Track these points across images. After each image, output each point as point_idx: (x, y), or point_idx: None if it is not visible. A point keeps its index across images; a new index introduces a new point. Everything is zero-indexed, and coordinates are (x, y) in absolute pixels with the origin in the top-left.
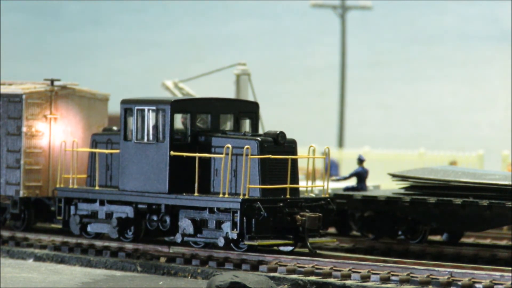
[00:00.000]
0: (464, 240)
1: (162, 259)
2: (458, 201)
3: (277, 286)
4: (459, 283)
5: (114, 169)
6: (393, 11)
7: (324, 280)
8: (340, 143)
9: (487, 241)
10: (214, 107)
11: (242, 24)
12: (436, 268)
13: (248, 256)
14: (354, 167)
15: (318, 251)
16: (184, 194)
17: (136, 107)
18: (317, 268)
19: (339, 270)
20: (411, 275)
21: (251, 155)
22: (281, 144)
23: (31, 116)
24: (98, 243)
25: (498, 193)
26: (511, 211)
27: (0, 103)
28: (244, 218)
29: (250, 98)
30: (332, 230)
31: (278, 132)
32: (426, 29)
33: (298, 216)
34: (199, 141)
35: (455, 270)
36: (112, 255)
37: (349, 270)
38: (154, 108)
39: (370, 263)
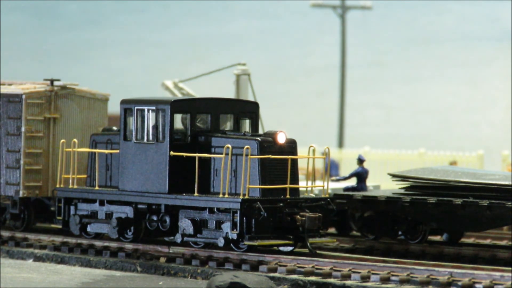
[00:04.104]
0: (464, 240)
1: (162, 259)
2: (458, 201)
3: (277, 286)
4: (459, 283)
5: (114, 169)
6: (393, 11)
7: (324, 280)
8: (340, 143)
9: (487, 241)
10: (214, 107)
11: (242, 24)
12: (436, 268)
13: (248, 256)
14: (354, 167)
15: (318, 251)
16: (184, 194)
17: (136, 107)
18: (317, 268)
19: (339, 270)
20: (411, 275)
21: (251, 155)
22: (281, 144)
23: (31, 116)
24: (98, 243)
25: (498, 193)
26: (511, 211)
27: (0, 103)
28: (244, 218)
29: (250, 98)
30: (332, 230)
31: (278, 132)
32: (426, 29)
33: (298, 216)
34: (199, 141)
35: (455, 270)
36: (112, 255)
37: (349, 270)
38: (154, 108)
39: (370, 263)
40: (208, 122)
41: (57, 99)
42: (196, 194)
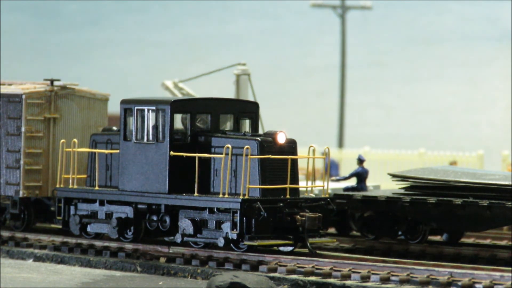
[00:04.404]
0: (464, 240)
1: (162, 259)
2: (458, 201)
3: (277, 286)
4: (459, 283)
5: (113, 169)
6: (393, 11)
7: (324, 280)
8: (340, 143)
9: (487, 241)
10: (214, 107)
11: (242, 24)
12: (436, 268)
13: (248, 256)
14: (354, 167)
15: (318, 251)
16: (184, 194)
17: (136, 107)
18: (317, 268)
19: (339, 270)
20: (411, 275)
21: (251, 155)
22: (281, 144)
23: (31, 116)
24: (98, 243)
25: (498, 193)
26: (511, 211)
27: (0, 103)
28: (244, 218)
29: (250, 98)
30: (332, 230)
31: (278, 132)
32: (426, 29)
33: (298, 216)
34: (199, 141)
35: (455, 270)
36: (112, 255)
37: (349, 270)
38: (154, 108)
39: (370, 263)
40: (208, 122)
41: (57, 99)
42: (196, 194)
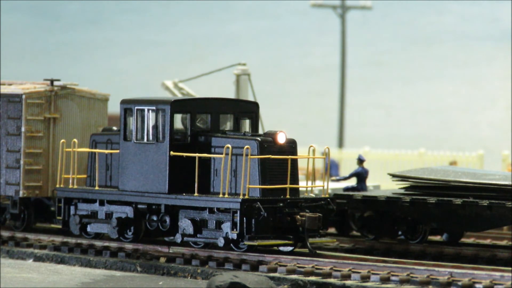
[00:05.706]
0: (464, 240)
1: (162, 259)
2: (458, 201)
3: (277, 286)
4: (459, 283)
5: (113, 169)
6: (393, 11)
7: (324, 280)
8: (340, 143)
9: (487, 241)
10: (214, 107)
11: (242, 24)
12: (436, 268)
13: (248, 256)
14: (354, 167)
15: (318, 251)
16: (184, 194)
17: (136, 107)
18: (317, 268)
19: (339, 270)
20: (411, 275)
21: (251, 155)
22: (281, 144)
23: (31, 116)
24: (98, 243)
25: (498, 193)
26: (511, 211)
27: (0, 103)
28: (244, 218)
29: (250, 98)
30: (332, 230)
31: (278, 132)
32: (426, 29)
33: (298, 216)
34: (199, 141)
35: (455, 270)
36: (112, 255)
37: (349, 270)
38: (154, 108)
39: (370, 263)
40: (208, 122)
41: (57, 99)
42: (196, 194)
